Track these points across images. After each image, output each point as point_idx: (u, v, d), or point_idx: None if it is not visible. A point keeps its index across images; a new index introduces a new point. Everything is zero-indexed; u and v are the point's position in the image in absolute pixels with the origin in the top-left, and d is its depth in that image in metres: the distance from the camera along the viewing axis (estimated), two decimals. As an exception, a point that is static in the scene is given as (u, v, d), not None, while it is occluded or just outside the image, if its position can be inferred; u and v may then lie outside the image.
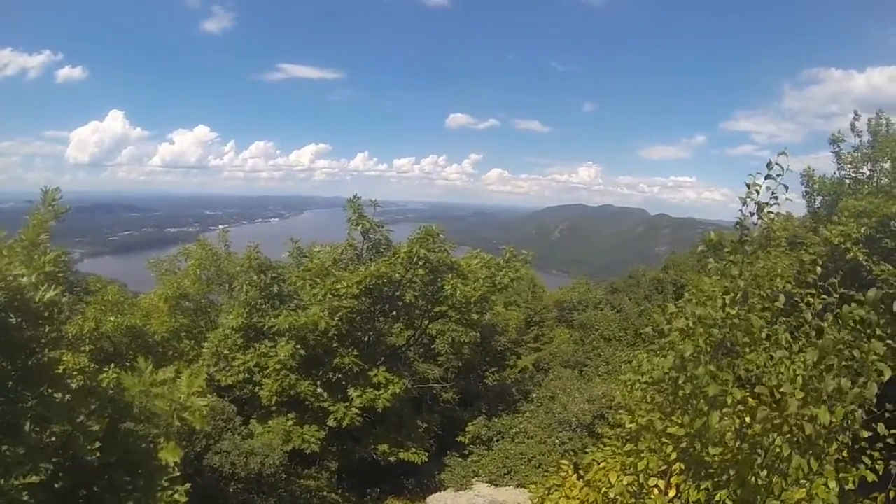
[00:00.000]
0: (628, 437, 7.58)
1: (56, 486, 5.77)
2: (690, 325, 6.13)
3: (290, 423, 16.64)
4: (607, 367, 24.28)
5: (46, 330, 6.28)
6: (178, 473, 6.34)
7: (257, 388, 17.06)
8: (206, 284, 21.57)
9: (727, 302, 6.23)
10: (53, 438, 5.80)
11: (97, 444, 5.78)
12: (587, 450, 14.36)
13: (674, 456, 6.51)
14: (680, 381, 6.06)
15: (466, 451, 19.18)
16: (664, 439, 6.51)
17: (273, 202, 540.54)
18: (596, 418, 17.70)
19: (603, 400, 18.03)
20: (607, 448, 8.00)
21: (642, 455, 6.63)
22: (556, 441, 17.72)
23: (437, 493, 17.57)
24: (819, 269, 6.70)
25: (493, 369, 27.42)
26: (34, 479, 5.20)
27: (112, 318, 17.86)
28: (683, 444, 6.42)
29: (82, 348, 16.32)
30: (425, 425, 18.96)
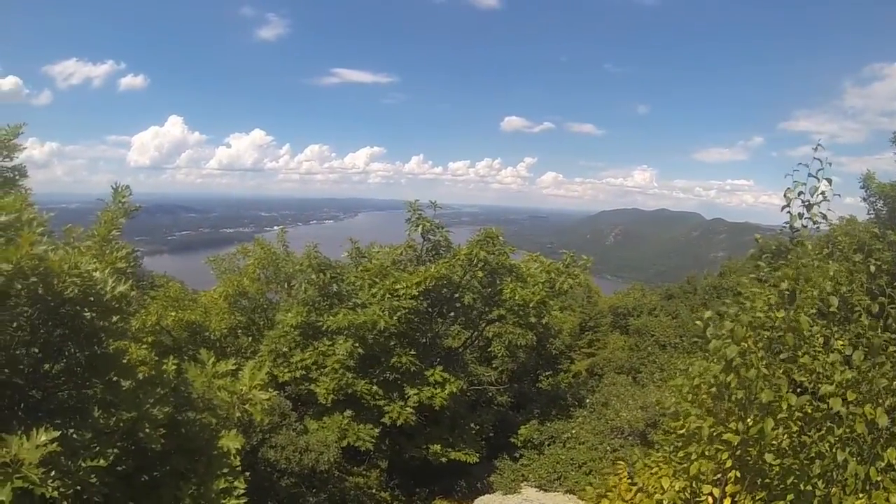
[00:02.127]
0: (680, 443, 7.44)
1: (119, 469, 5.90)
2: (735, 328, 5.99)
3: (345, 420, 16.76)
4: (662, 374, 23.83)
5: (114, 320, 6.46)
6: (238, 463, 6.48)
7: (313, 385, 17.24)
8: (264, 283, 22.05)
9: (772, 303, 6.08)
10: (120, 424, 5.94)
11: (161, 432, 5.95)
12: (629, 459, 14.20)
13: (729, 463, 6.38)
14: (731, 386, 5.94)
15: (517, 455, 19.08)
16: (718, 445, 6.38)
17: (328, 204, 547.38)
18: (649, 426, 17.41)
19: (657, 407, 17.71)
20: (659, 453, 7.88)
21: (694, 459, 6.51)
22: (608, 448, 17.50)
23: (486, 496, 17.54)
24: (884, 277, 6.49)
25: (547, 373, 27.27)
26: (101, 462, 5.32)
27: (173, 314, 18.42)
28: (739, 451, 6.29)
29: (144, 340, 16.90)
30: (478, 427, 18.94)
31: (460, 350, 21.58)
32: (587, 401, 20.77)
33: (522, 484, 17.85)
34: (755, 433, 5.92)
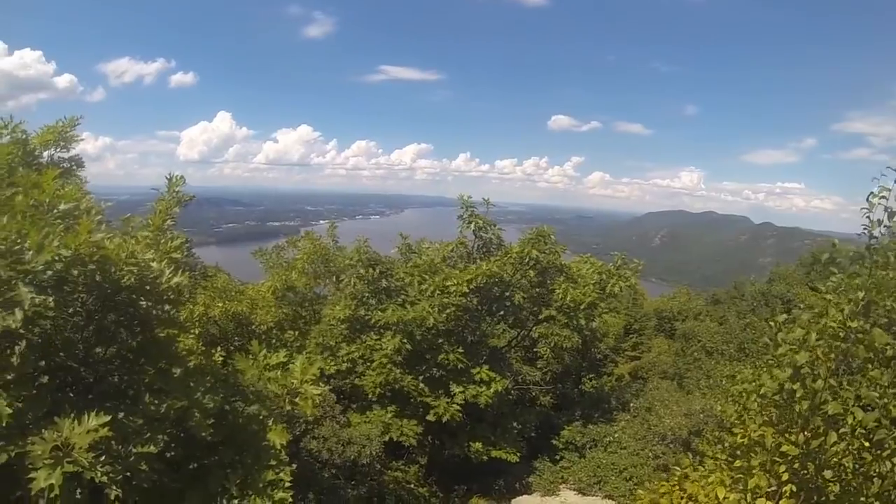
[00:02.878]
0: (738, 453, 7.21)
1: (168, 456, 5.97)
2: (806, 335, 5.75)
3: (389, 415, 16.73)
4: (708, 381, 23.29)
5: (167, 309, 6.59)
6: (285, 456, 6.48)
7: (358, 379, 17.25)
8: (313, 278, 22.19)
9: (847, 313, 5.81)
10: (171, 412, 5.95)
11: (211, 421, 5.98)
12: (680, 466, 13.87)
13: (785, 476, 6.16)
14: (797, 396, 5.70)
15: (557, 457, 18.92)
16: (776, 458, 6.15)
17: (374, 200, 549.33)
18: (692, 434, 17.07)
19: (701, 415, 17.33)
20: (711, 461, 7.67)
21: (753, 472, 6.30)
22: (650, 454, 17.26)
23: (524, 497, 17.45)
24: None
25: (590, 375, 26.97)
26: (151, 448, 5.36)
27: (220, 304, 18.67)
28: (796, 465, 6.06)
29: (191, 331, 17.14)
30: (520, 426, 18.80)
31: (506, 349, 21.43)
32: (631, 405, 20.45)
33: (561, 486, 17.71)
34: (816, 446, 5.70)
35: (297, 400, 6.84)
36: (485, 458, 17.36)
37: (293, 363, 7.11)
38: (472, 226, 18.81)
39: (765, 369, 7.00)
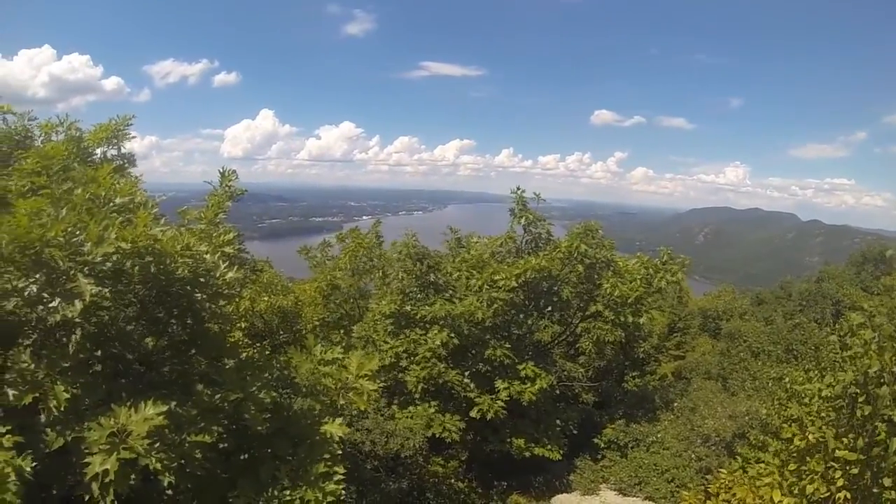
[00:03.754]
0: (793, 456, 7.06)
1: (221, 446, 6.07)
2: (879, 338, 5.57)
3: (432, 410, 16.75)
4: (753, 383, 22.81)
5: (221, 304, 6.77)
6: (340, 451, 6.52)
7: (401, 374, 17.24)
8: (358, 276, 22.30)
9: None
10: (225, 404, 6.09)
11: (267, 415, 6.10)
12: (725, 470, 13.66)
13: (840, 482, 6.01)
14: (859, 401, 5.56)
15: (599, 455, 18.76)
16: (832, 462, 6.00)
17: (417, 196, 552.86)
18: (737, 436, 16.79)
19: (746, 418, 17.02)
20: (763, 464, 7.51)
21: (809, 475, 6.16)
22: (692, 456, 17.00)
23: (563, 495, 17.35)
24: None
25: (633, 373, 26.65)
26: (206, 438, 5.49)
27: (266, 298, 18.95)
28: (854, 471, 5.91)
29: (238, 324, 17.42)
30: (562, 424, 18.72)
31: (550, 345, 21.31)
32: (675, 405, 20.17)
33: (601, 486, 17.59)
34: (877, 453, 5.54)
35: (350, 394, 6.93)
36: (527, 454, 17.30)
37: (349, 359, 7.20)
38: (523, 220, 18.78)
39: (827, 371, 6.82)
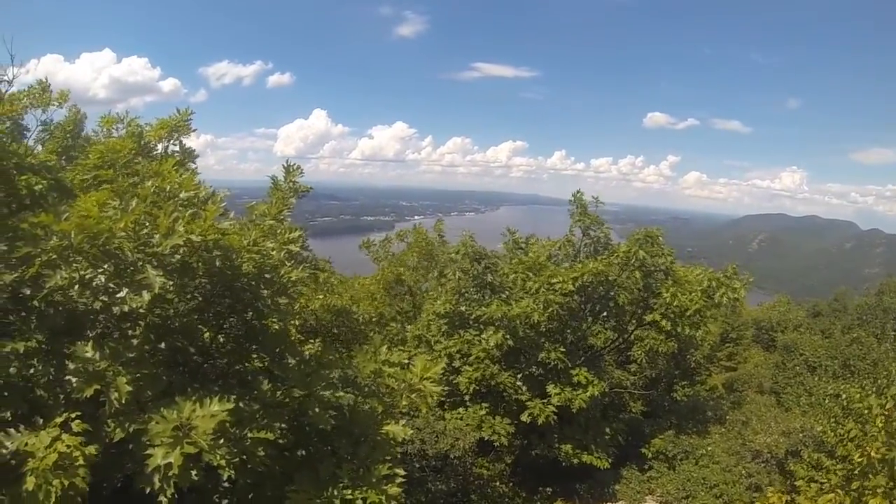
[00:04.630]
0: (856, 474, 6.94)
1: (281, 442, 5.99)
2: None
3: (483, 412, 16.70)
4: (809, 399, 22.18)
5: (283, 302, 6.72)
6: (398, 454, 6.59)
7: (452, 375, 17.07)
8: (420, 273, 22.42)
9: None
10: (287, 400, 6.06)
11: (332, 413, 6.07)
12: (777, 488, 13.35)
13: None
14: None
15: (646, 466, 18.52)
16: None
17: (469, 197, 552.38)
18: (790, 454, 16.38)
19: (801, 435, 16.57)
20: (829, 482, 7.39)
21: (871, 491, 6.06)
22: (743, 472, 16.65)
23: (608, 504, 17.23)
24: None
25: (682, 383, 26.19)
26: (269, 434, 5.45)
27: (320, 297, 19.23)
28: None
29: (291, 322, 17.64)
30: (612, 432, 18.53)
31: (602, 351, 21.20)
32: (726, 417, 19.77)
33: (647, 497, 17.39)
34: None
35: (413, 396, 6.97)
36: (574, 461, 17.18)
37: (414, 362, 7.27)
38: (582, 223, 18.73)
39: (885, 387, 6.71)
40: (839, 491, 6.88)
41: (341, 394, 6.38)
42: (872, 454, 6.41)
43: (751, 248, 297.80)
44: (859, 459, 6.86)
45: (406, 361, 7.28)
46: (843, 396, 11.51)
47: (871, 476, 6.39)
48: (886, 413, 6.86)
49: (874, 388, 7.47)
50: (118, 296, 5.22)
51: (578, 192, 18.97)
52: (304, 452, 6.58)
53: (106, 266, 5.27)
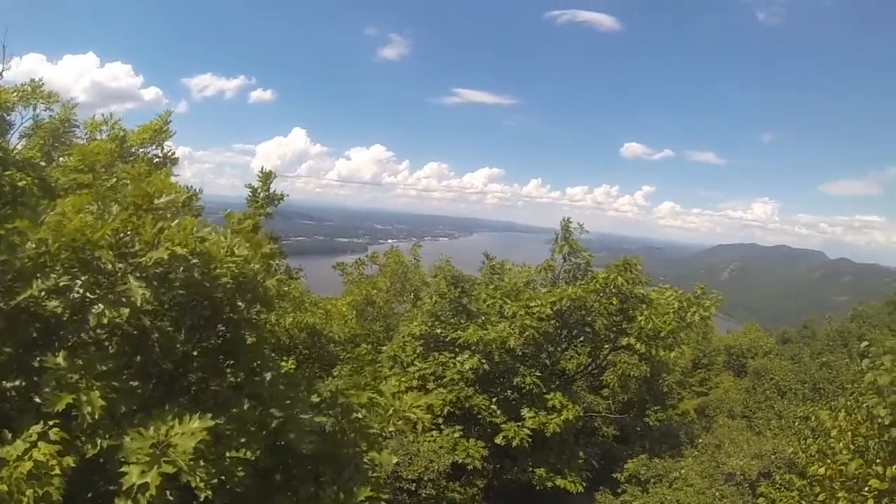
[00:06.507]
0: (818, 487, 7.11)
1: (260, 464, 5.76)
2: (893, 363, 5.71)
3: (457, 434, 16.69)
4: (779, 422, 22.46)
5: (259, 309, 6.54)
6: (382, 480, 6.50)
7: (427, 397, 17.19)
8: (393, 294, 22.47)
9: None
10: (267, 420, 5.87)
11: (313, 438, 5.90)
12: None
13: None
14: (885, 423, 5.65)
15: (620, 490, 18.53)
16: (864, 492, 6.05)
17: (443, 222, 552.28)
18: (762, 475, 16.54)
19: (772, 457, 16.78)
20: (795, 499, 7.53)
21: (838, 498, 6.20)
22: (717, 494, 16.70)
23: (581, 528, 17.15)
24: None
25: (655, 408, 26.39)
26: (248, 455, 5.30)
27: (292, 314, 19.07)
28: (885, 501, 5.95)
29: (267, 338, 17.38)
30: (585, 456, 18.58)
31: (575, 376, 21.28)
32: (700, 441, 19.92)
33: (621, 520, 17.36)
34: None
35: (401, 422, 6.93)
36: (548, 485, 17.17)
37: (403, 395, 7.21)
38: (564, 250, 19.02)
39: (851, 399, 6.94)
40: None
41: (322, 418, 6.24)
42: (833, 466, 6.59)
43: (722, 276, 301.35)
44: (821, 471, 7.04)
45: (396, 391, 7.18)
46: (812, 419, 11.70)
47: (835, 488, 6.55)
48: (852, 429, 7.06)
49: (843, 407, 7.68)
50: (95, 309, 5.08)
51: (568, 219, 19.31)
52: (279, 476, 6.39)
53: (85, 278, 5.13)
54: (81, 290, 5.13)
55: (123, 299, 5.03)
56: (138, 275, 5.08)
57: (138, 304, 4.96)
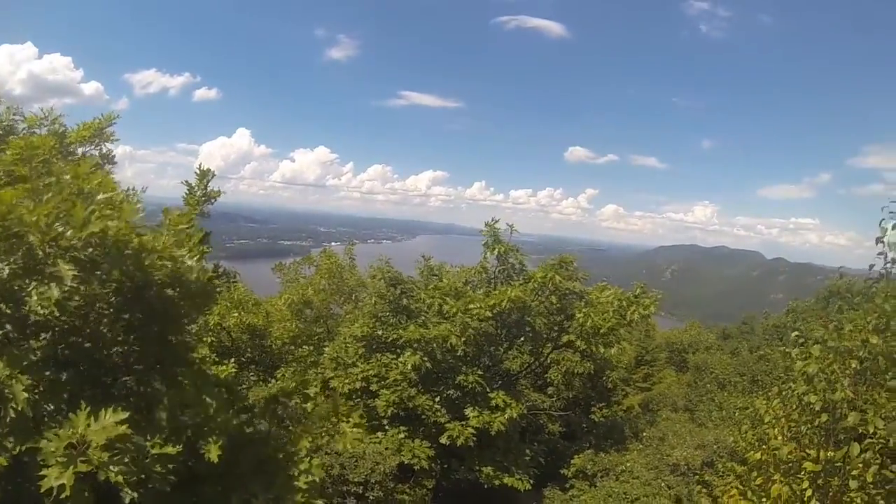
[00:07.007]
0: (756, 472, 7.28)
1: (189, 464, 5.51)
2: (820, 349, 5.89)
3: (401, 435, 16.68)
4: (720, 413, 23.07)
5: (196, 302, 6.32)
6: (320, 486, 6.28)
7: (370, 399, 17.14)
8: (328, 294, 22.29)
9: (870, 329, 5.95)
10: (187, 427, 5.62)
11: (220, 443, 5.50)
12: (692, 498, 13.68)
13: (809, 492, 6.19)
14: (816, 409, 5.82)
15: (567, 485, 18.70)
16: (799, 475, 6.20)
17: (387, 225, 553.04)
18: (706, 465, 16.91)
19: (714, 447, 17.20)
20: (733, 481, 7.69)
21: (775, 480, 6.34)
22: (663, 484, 17.01)
23: (531, 525, 17.21)
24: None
25: (600, 405, 26.75)
26: (169, 449, 5.07)
27: (235, 315, 18.60)
28: (819, 482, 6.09)
29: (204, 339, 16.89)
30: (531, 453, 18.67)
31: (518, 375, 21.37)
32: (644, 435, 20.27)
33: (570, 516, 17.49)
34: (839, 459, 5.75)
35: (336, 436, 6.83)
36: (496, 483, 17.18)
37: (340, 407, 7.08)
38: (496, 251, 18.98)
39: (759, 402, 7.20)
40: (740, 486, 7.23)
41: (237, 422, 6.04)
42: (768, 451, 6.76)
43: (664, 277, 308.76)
44: (756, 456, 7.22)
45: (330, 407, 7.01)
46: (750, 408, 11.96)
47: (772, 471, 6.71)
48: (786, 416, 7.24)
49: (776, 396, 7.89)
50: (26, 299, 4.83)
51: (493, 220, 19.29)
52: (211, 486, 5.99)
53: (13, 259, 4.86)
54: (7, 274, 4.88)
55: (53, 280, 4.81)
56: (68, 258, 4.88)
57: (66, 284, 4.76)
